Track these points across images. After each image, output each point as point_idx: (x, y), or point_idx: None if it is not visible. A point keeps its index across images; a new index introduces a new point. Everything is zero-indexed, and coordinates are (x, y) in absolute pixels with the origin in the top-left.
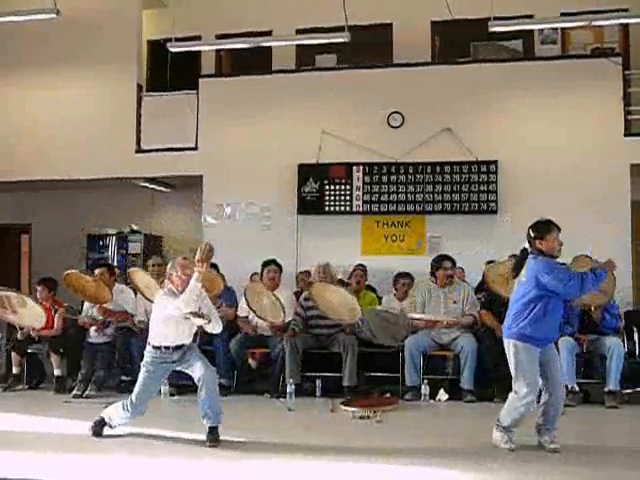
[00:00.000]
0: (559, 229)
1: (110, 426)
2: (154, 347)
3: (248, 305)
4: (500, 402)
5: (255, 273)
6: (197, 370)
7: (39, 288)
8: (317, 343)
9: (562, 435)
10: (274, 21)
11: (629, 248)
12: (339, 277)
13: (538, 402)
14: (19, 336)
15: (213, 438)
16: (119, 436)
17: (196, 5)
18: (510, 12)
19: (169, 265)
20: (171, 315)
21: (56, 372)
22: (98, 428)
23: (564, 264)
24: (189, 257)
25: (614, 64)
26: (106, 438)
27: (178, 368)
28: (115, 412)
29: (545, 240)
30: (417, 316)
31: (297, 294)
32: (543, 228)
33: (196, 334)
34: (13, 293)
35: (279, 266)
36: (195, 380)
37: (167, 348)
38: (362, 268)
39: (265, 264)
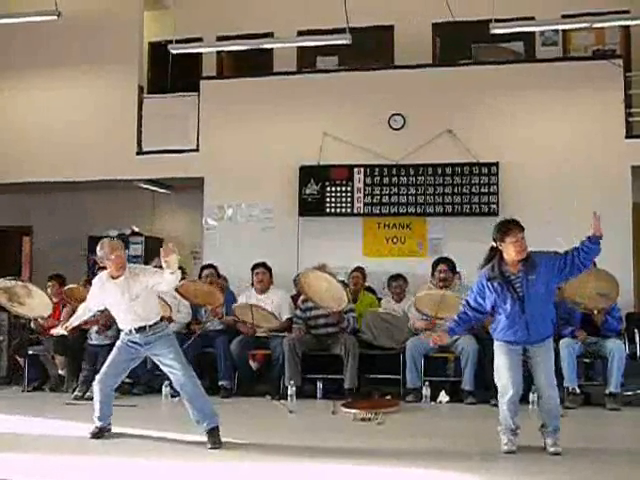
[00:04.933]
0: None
1: (101, 429)
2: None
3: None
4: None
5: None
6: (172, 376)
7: (50, 283)
8: (318, 344)
9: (563, 437)
10: (275, 23)
11: (630, 250)
12: (339, 278)
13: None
14: (33, 325)
15: (214, 440)
16: (120, 438)
17: (197, 7)
18: (511, 14)
19: (98, 249)
20: (110, 302)
21: (60, 373)
22: (97, 433)
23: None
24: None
25: (615, 66)
26: (107, 440)
27: (154, 359)
28: (95, 402)
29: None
30: (426, 310)
31: (295, 297)
32: (500, 229)
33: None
34: (19, 283)
35: (268, 268)
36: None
37: (129, 331)
38: (360, 270)
39: (254, 267)
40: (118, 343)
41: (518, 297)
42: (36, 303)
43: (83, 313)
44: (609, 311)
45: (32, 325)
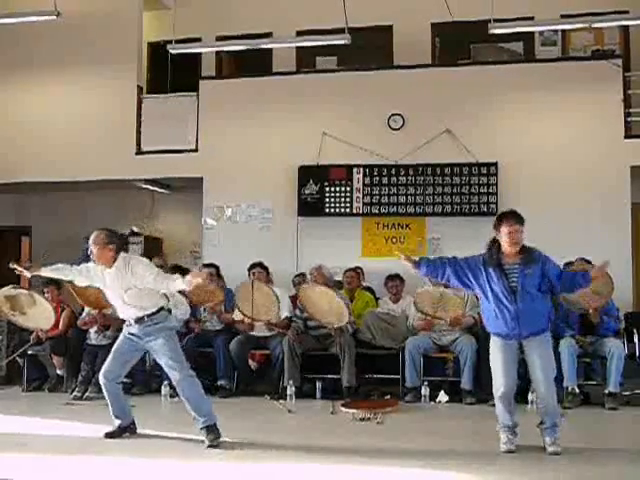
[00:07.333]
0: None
1: (121, 428)
2: None
3: (240, 312)
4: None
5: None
6: (169, 374)
7: (48, 289)
8: (316, 344)
9: (562, 437)
10: (274, 23)
11: (629, 250)
12: (337, 279)
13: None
14: (32, 339)
15: (212, 437)
16: (119, 438)
17: (196, 7)
18: (510, 14)
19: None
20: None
21: (58, 373)
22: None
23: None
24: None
25: (614, 66)
26: (106, 440)
27: (152, 354)
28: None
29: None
30: (425, 309)
31: (294, 297)
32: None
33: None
34: (24, 291)
35: (265, 268)
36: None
37: (129, 323)
38: (355, 270)
39: (251, 267)
40: (120, 335)
41: (511, 288)
42: (39, 313)
43: (61, 271)
44: (605, 311)
45: (32, 338)
